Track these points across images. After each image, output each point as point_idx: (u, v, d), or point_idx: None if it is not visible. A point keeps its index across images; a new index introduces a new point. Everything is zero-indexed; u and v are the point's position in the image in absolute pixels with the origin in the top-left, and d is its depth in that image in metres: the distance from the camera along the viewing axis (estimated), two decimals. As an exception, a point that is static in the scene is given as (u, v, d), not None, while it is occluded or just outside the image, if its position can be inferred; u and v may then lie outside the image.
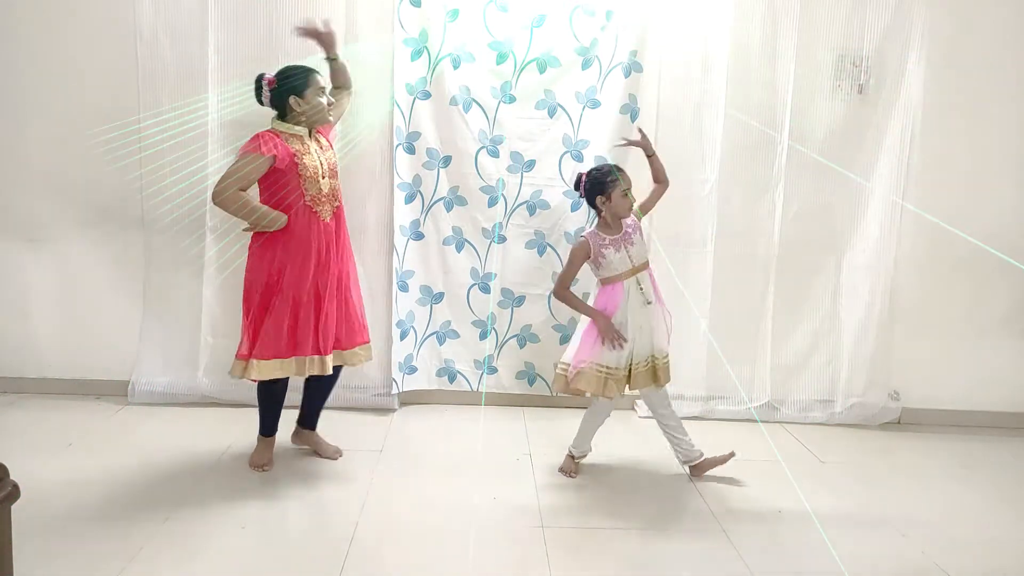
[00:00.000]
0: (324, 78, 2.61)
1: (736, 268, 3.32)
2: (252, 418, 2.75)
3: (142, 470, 2.63)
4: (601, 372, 2.57)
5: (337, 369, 2.72)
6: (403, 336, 3.34)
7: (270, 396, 2.66)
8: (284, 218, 2.49)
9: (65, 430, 2.96)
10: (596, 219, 2.69)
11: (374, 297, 3.28)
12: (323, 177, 2.56)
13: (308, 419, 2.83)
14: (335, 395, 3.27)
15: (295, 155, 2.49)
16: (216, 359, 3.28)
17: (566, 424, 3.14)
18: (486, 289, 3.37)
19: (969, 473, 2.95)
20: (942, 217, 3.33)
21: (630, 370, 2.61)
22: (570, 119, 3.24)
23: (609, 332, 2.55)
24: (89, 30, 3.12)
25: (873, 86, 3.22)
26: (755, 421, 3.37)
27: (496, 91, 3.19)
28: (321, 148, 2.60)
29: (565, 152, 3.26)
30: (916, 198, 3.28)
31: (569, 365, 2.61)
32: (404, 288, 3.31)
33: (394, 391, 3.31)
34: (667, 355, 2.68)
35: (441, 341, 3.42)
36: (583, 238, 2.64)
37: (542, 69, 3.18)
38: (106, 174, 3.21)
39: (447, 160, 3.25)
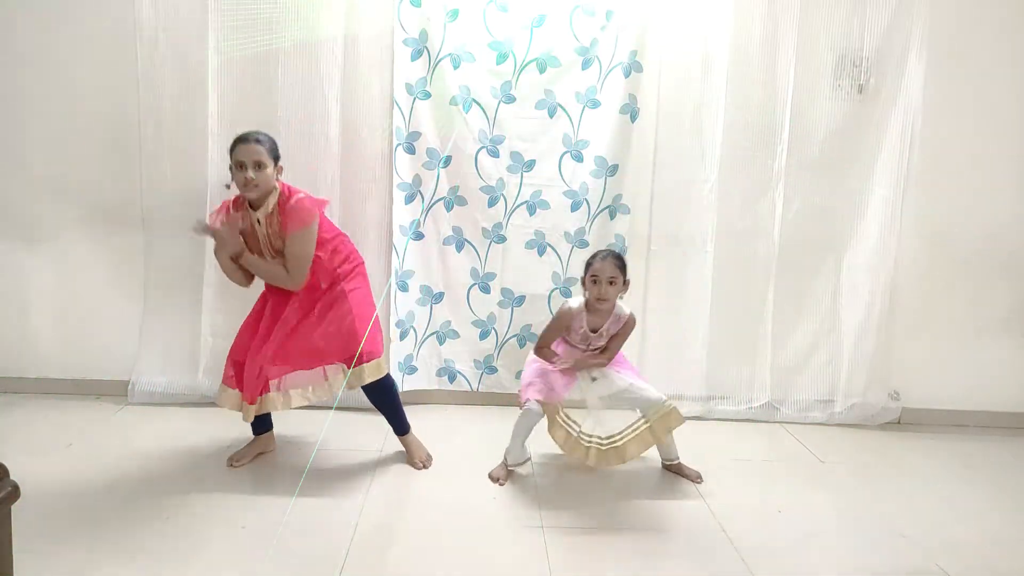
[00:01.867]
0: (251, 151, 2.43)
1: (736, 268, 3.32)
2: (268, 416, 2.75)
3: (142, 470, 2.63)
4: (573, 431, 2.61)
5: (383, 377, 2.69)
6: (403, 336, 3.34)
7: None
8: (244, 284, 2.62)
9: (65, 430, 2.96)
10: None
11: (374, 297, 3.28)
12: (268, 256, 2.57)
13: (394, 427, 2.81)
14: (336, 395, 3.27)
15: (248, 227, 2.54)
16: (216, 359, 3.28)
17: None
18: (486, 289, 3.37)
19: (969, 473, 2.95)
20: (942, 217, 3.35)
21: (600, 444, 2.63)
22: (570, 119, 3.24)
23: (569, 362, 2.60)
24: (89, 30, 3.12)
25: (873, 86, 3.22)
26: (755, 421, 3.37)
27: (496, 91, 3.19)
28: (269, 225, 2.50)
29: (565, 152, 3.26)
30: (916, 198, 3.28)
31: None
32: (404, 288, 3.31)
33: (394, 391, 3.31)
34: (665, 403, 2.63)
35: (441, 341, 3.42)
36: (568, 307, 2.64)
37: (542, 69, 3.18)
38: (106, 174, 3.22)
39: (447, 160, 3.25)
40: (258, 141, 2.45)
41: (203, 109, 3.11)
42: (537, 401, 2.59)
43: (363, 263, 2.75)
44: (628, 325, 2.67)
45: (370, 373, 2.61)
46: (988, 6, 3.20)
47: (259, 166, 2.43)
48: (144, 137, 3.16)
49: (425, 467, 2.76)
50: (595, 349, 2.68)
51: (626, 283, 2.62)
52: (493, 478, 2.67)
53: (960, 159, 3.30)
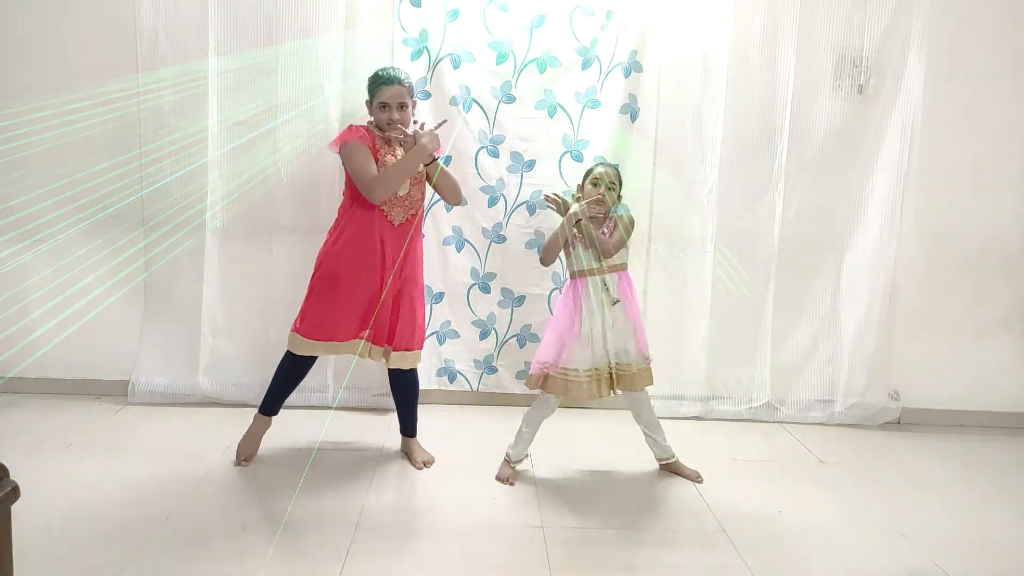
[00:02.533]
0: (396, 93, 2.51)
1: (736, 268, 3.32)
2: (252, 418, 2.74)
3: (142, 470, 2.63)
4: (570, 375, 2.56)
5: (409, 373, 2.75)
6: (403, 336, 3.34)
7: (287, 372, 2.67)
8: (428, 144, 2.51)
9: (65, 430, 2.96)
10: None
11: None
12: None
13: (404, 426, 2.84)
14: (336, 395, 3.28)
15: (378, 150, 2.54)
16: (216, 359, 3.29)
17: (566, 424, 3.14)
18: (486, 289, 3.37)
19: (969, 473, 2.95)
20: (942, 217, 3.35)
21: (611, 372, 2.59)
22: (570, 119, 3.23)
23: (587, 210, 2.56)
24: (89, 30, 3.12)
25: (873, 86, 3.22)
26: (755, 421, 3.37)
27: (496, 91, 3.19)
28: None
29: (565, 152, 3.26)
30: (916, 198, 3.28)
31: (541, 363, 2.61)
32: (404, 288, 3.31)
33: (394, 391, 3.31)
34: (646, 360, 2.65)
35: (441, 341, 3.42)
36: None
37: (542, 69, 3.18)
38: (106, 174, 3.21)
39: (447, 160, 3.24)
40: (400, 83, 2.53)
41: (203, 109, 3.11)
42: (549, 381, 2.57)
43: None
44: (625, 220, 2.62)
45: (414, 359, 2.73)
46: (988, 6, 3.20)
47: (402, 107, 2.53)
48: (144, 137, 3.16)
49: (426, 467, 2.76)
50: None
51: (620, 197, 2.65)
52: (502, 479, 2.65)
53: (960, 159, 3.30)
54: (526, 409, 2.71)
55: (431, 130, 2.56)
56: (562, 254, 2.68)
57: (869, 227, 3.31)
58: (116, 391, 3.31)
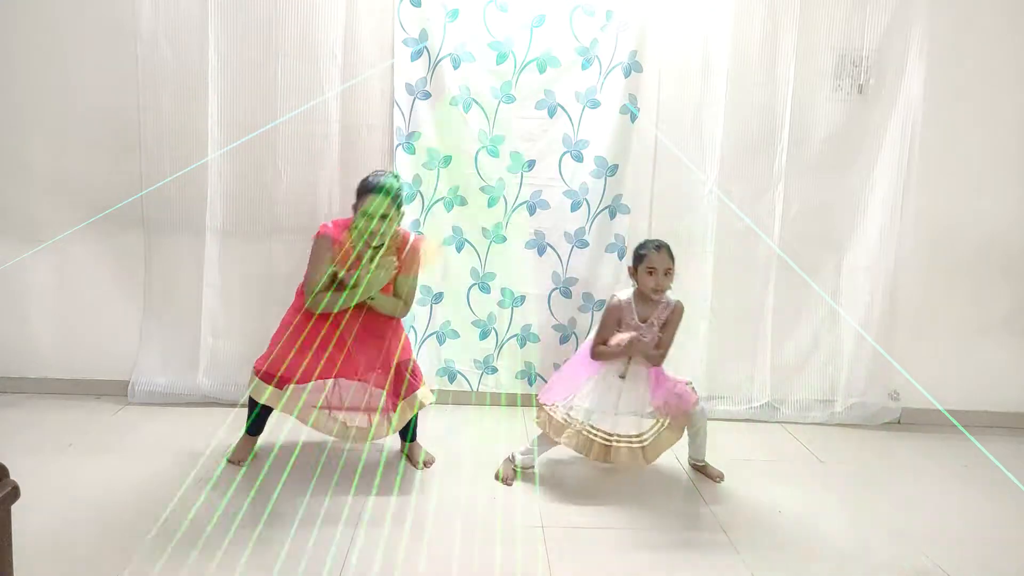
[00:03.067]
0: (382, 202, 2.47)
1: (736, 268, 3.32)
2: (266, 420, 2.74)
3: (142, 470, 2.63)
4: (584, 431, 2.60)
5: None
6: (403, 336, 3.34)
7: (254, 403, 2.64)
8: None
9: (65, 430, 2.96)
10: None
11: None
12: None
13: (404, 434, 2.80)
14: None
15: (349, 251, 2.50)
16: (216, 359, 3.29)
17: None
18: (486, 289, 3.37)
19: (969, 473, 2.95)
20: (942, 217, 3.34)
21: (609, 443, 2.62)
22: (570, 119, 3.24)
23: (626, 341, 2.53)
24: (89, 30, 3.12)
25: (873, 86, 3.22)
26: (755, 421, 3.37)
27: (496, 91, 3.19)
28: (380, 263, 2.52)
29: (565, 152, 3.26)
30: (916, 198, 3.28)
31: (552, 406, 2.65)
32: (404, 288, 3.31)
33: (394, 391, 3.31)
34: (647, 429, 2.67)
35: (441, 341, 3.42)
36: (617, 300, 2.63)
37: (542, 69, 3.18)
38: (106, 174, 3.22)
39: (447, 160, 3.25)
40: (386, 192, 2.47)
41: (203, 109, 3.11)
42: (548, 414, 2.62)
43: None
44: (677, 312, 2.64)
45: (424, 398, 2.69)
46: (988, 6, 3.20)
47: (384, 218, 2.49)
48: (144, 137, 3.16)
49: (427, 467, 2.76)
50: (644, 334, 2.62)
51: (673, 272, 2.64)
52: (503, 478, 2.65)
53: (960, 159, 3.30)
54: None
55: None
56: None
57: (869, 227, 3.31)
58: (116, 391, 3.31)
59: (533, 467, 2.69)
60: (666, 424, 2.66)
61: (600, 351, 2.62)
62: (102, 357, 3.35)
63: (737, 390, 3.41)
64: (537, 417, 2.68)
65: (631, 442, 2.65)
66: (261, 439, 2.77)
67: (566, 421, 2.61)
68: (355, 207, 2.54)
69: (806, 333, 3.41)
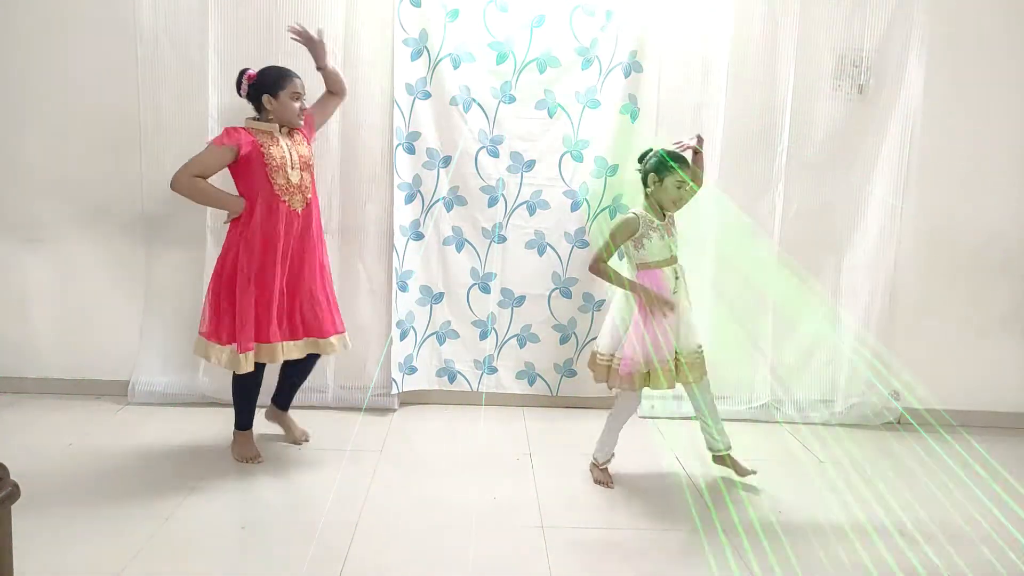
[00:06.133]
0: (304, 82, 2.65)
1: (736, 268, 3.31)
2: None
3: (142, 470, 2.63)
4: (646, 369, 2.51)
5: (313, 357, 2.78)
6: (403, 336, 3.34)
7: (243, 390, 2.71)
8: (242, 202, 2.58)
9: (65, 430, 2.96)
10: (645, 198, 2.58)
11: (374, 297, 3.29)
12: (292, 168, 2.61)
13: (281, 400, 2.90)
14: (335, 395, 3.28)
15: (261, 146, 2.55)
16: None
17: (566, 424, 3.14)
18: (486, 289, 3.37)
19: (969, 473, 2.95)
20: (942, 217, 3.34)
21: (677, 362, 2.55)
22: (570, 119, 3.24)
23: (657, 302, 2.46)
24: (89, 30, 3.12)
25: (873, 86, 3.22)
26: (755, 421, 3.37)
27: (496, 91, 3.19)
28: (293, 142, 2.66)
29: (565, 152, 3.26)
30: (916, 198, 3.28)
31: (613, 357, 2.53)
32: (404, 288, 3.31)
33: (394, 391, 3.31)
34: (702, 347, 2.64)
35: (441, 341, 3.42)
36: (632, 213, 2.54)
37: (542, 69, 3.18)
38: (106, 174, 3.22)
39: (447, 160, 3.25)
40: (298, 76, 2.64)
41: (203, 109, 3.11)
42: (629, 382, 2.50)
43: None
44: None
45: (340, 344, 2.79)
46: (987, 7, 3.20)
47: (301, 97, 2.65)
48: (144, 137, 3.16)
49: (307, 441, 2.88)
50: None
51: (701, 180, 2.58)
52: (602, 483, 2.63)
53: (960, 159, 3.30)
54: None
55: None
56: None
57: (869, 227, 3.31)
58: (116, 391, 3.31)
59: (613, 455, 2.65)
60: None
61: (603, 269, 2.50)
62: (102, 357, 3.35)
63: (737, 390, 3.41)
64: (621, 383, 2.52)
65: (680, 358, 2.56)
66: (258, 440, 2.77)
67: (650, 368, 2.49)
68: (273, 97, 2.59)
69: (806, 333, 3.41)
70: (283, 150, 2.60)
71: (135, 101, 3.13)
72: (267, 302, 2.59)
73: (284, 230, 2.60)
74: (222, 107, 3.12)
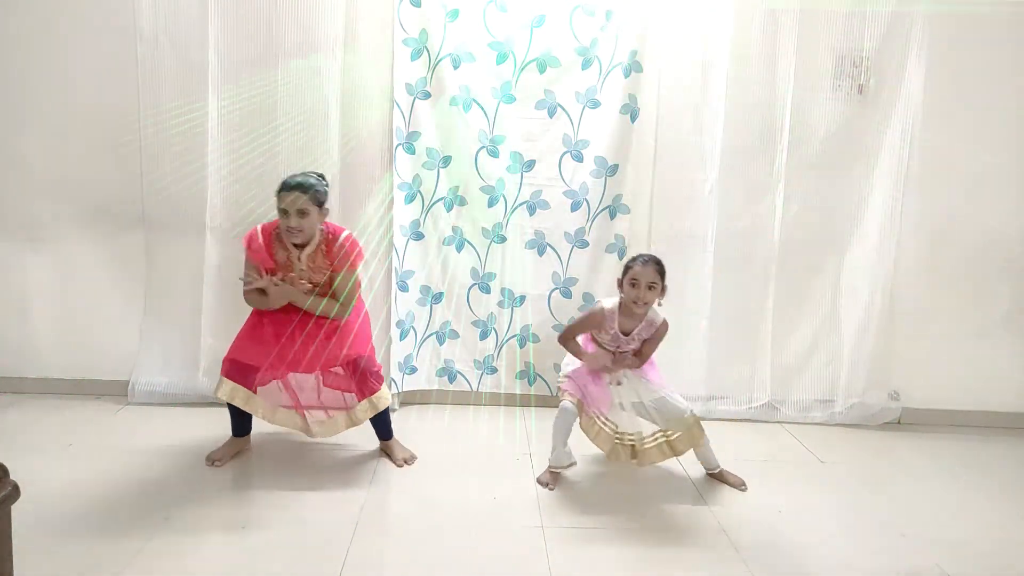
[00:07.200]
0: (294, 200, 2.48)
1: (736, 268, 3.32)
2: (250, 419, 2.74)
3: (142, 470, 2.63)
4: (606, 427, 2.67)
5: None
6: (403, 336, 3.34)
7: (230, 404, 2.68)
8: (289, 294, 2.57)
9: (65, 430, 2.96)
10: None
11: (374, 297, 3.28)
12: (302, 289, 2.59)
13: (380, 433, 2.81)
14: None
15: (274, 253, 2.57)
16: (216, 359, 3.26)
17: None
18: (486, 289, 3.37)
19: (969, 473, 2.95)
20: (942, 217, 3.34)
21: (633, 445, 2.69)
22: (570, 119, 3.24)
23: (595, 361, 2.62)
24: (89, 30, 3.12)
25: (873, 86, 3.22)
26: (755, 421, 3.37)
27: (496, 91, 3.19)
28: (314, 265, 2.59)
29: (565, 152, 3.26)
30: (916, 198, 3.28)
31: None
32: (404, 288, 3.31)
33: (394, 391, 3.31)
34: (687, 418, 2.64)
35: (441, 341, 3.42)
36: (601, 307, 2.62)
37: (542, 69, 3.18)
38: (106, 174, 3.22)
39: (447, 160, 3.25)
40: (301, 189, 2.48)
41: (203, 109, 3.10)
42: (571, 399, 2.61)
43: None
44: (661, 330, 2.63)
45: (379, 401, 2.69)
46: (987, 7, 3.19)
47: (302, 214, 2.48)
48: (144, 137, 3.16)
49: (408, 464, 2.75)
50: (623, 353, 2.64)
51: (664, 289, 2.56)
52: (541, 483, 2.64)
53: (960, 159, 3.30)
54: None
55: (278, 285, 2.54)
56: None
57: (869, 227, 3.31)
58: (116, 391, 3.31)
59: (573, 463, 2.66)
60: (663, 439, 2.69)
61: (569, 344, 2.68)
62: (102, 357, 3.35)
63: (737, 390, 3.41)
64: (564, 403, 2.62)
65: (634, 441, 2.67)
66: (258, 440, 2.77)
67: (603, 425, 2.68)
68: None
69: (806, 333, 3.41)
70: (296, 262, 2.58)
71: (135, 101, 3.13)
72: (273, 335, 2.57)
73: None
74: (222, 107, 3.12)
